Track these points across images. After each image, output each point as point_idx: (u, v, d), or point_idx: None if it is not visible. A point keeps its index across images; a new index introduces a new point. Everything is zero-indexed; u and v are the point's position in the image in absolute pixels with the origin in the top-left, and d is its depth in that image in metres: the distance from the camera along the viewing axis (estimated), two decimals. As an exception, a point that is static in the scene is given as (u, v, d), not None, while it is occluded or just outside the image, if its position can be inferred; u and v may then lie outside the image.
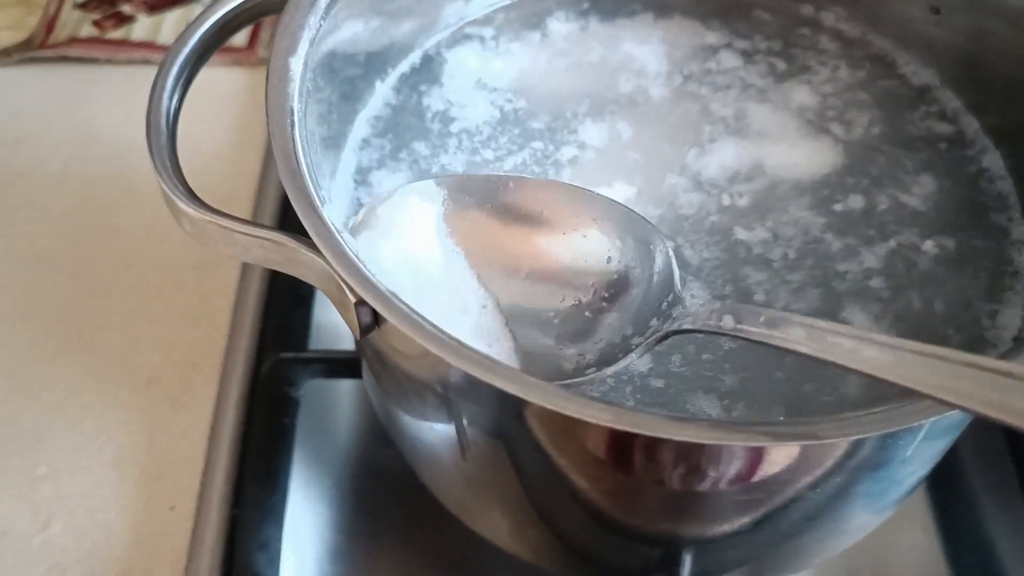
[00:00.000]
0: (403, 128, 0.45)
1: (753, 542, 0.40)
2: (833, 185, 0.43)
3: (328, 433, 0.52)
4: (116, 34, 0.65)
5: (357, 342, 0.44)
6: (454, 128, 0.45)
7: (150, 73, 0.65)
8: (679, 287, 0.35)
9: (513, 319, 0.35)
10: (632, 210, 0.37)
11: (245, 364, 0.51)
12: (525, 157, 0.44)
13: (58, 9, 0.66)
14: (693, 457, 0.32)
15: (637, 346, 0.34)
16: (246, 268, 0.55)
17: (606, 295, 0.35)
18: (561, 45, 0.49)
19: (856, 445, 0.32)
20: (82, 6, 0.66)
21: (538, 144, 0.45)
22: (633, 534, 0.40)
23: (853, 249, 0.41)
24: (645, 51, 0.48)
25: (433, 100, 0.46)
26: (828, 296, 0.40)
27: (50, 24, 0.65)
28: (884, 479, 0.37)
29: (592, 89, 0.47)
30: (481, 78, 0.47)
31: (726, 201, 0.43)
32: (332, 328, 0.55)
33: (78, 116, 0.63)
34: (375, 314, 0.33)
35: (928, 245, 0.41)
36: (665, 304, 0.35)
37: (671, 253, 0.36)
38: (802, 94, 0.47)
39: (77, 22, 0.65)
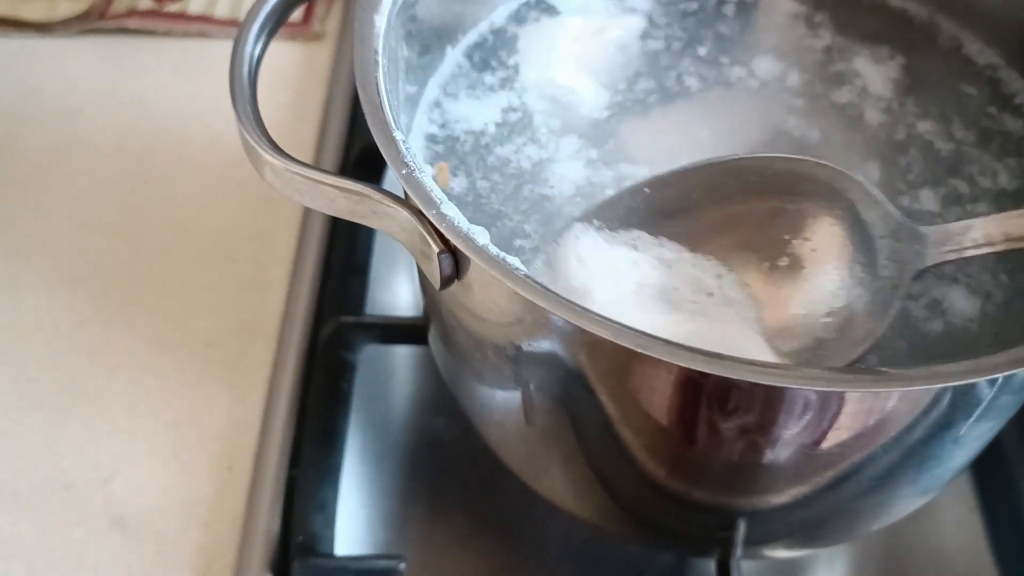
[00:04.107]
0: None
1: (808, 508, 0.40)
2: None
3: (383, 398, 0.53)
4: (174, 7, 0.66)
5: (425, 305, 0.45)
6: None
7: (207, 46, 0.67)
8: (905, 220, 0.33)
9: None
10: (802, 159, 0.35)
11: (303, 329, 0.52)
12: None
13: (116, -18, 0.67)
14: (771, 407, 0.33)
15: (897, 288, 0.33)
16: (303, 237, 0.56)
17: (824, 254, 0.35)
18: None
19: (938, 398, 0.32)
20: (140, -20, 0.67)
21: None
22: (693, 498, 0.41)
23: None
24: (874, 72, 0.47)
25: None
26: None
27: (109, -3, 0.66)
28: (953, 440, 0.37)
29: (796, 63, 0.47)
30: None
31: None
32: (386, 297, 0.56)
33: (136, 88, 0.64)
34: (456, 265, 0.33)
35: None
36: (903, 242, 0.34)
37: (876, 194, 0.34)
38: None
39: (135, -5, 0.66)
